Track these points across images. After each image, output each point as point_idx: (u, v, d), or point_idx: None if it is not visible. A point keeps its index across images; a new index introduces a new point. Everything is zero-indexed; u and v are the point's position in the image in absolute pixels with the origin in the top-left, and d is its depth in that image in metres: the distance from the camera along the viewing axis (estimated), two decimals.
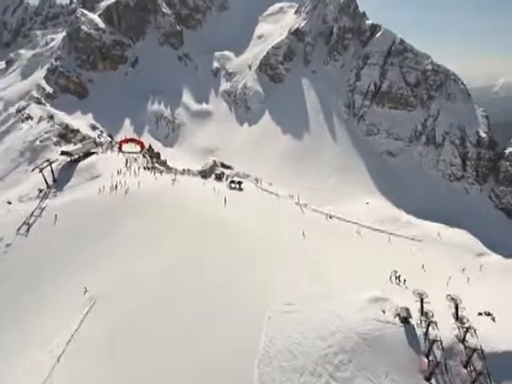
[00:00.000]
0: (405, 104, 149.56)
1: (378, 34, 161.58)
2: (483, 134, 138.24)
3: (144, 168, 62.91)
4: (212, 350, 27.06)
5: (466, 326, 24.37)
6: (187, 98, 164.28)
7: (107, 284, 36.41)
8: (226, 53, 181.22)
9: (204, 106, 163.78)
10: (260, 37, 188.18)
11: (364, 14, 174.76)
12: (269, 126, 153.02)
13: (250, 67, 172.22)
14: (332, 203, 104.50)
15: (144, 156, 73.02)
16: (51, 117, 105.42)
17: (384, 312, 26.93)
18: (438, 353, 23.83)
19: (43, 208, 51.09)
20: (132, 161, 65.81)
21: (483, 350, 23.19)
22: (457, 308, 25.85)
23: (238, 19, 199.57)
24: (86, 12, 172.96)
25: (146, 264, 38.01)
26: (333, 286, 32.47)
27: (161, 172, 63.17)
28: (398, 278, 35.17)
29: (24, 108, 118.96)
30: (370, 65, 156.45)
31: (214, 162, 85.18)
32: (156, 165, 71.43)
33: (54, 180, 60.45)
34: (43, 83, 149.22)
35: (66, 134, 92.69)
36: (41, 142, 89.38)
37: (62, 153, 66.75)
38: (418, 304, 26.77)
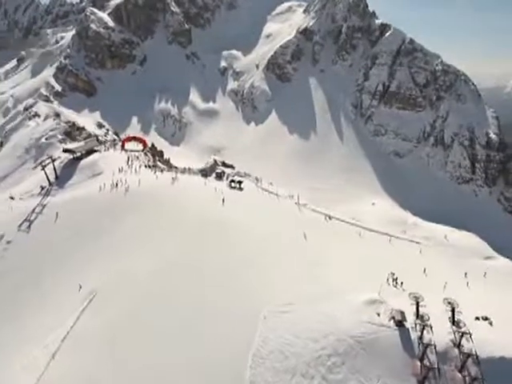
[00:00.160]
0: (413, 104, 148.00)
1: (387, 34, 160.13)
2: (493, 136, 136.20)
3: (145, 166, 63.06)
4: (209, 349, 27.00)
5: (462, 330, 23.83)
6: (194, 96, 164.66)
7: (106, 281, 36.56)
8: (234, 52, 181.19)
9: (211, 104, 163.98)
10: (268, 36, 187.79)
11: (373, 13, 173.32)
12: (275, 126, 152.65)
13: (257, 66, 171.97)
14: (338, 204, 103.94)
15: (146, 154, 73.22)
16: (57, 115, 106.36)
17: (379, 315, 26.53)
18: (432, 357, 23.35)
19: (44, 205, 51.45)
20: (134, 159, 66.01)
21: (478, 356, 22.64)
22: (453, 312, 25.29)
23: (246, 18, 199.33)
24: (95, 10, 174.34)
25: (144, 262, 38.03)
26: (330, 287, 32.11)
27: (161, 170, 63.22)
28: (395, 280, 34.61)
29: (31, 106, 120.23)
30: (378, 65, 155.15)
31: (215, 160, 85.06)
32: (158, 163, 71.60)
33: (57, 177, 60.84)
34: (52, 81, 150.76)
35: (72, 132, 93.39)
36: (46, 139, 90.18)
37: (65, 150, 67.19)
38: (414, 307, 26.26)
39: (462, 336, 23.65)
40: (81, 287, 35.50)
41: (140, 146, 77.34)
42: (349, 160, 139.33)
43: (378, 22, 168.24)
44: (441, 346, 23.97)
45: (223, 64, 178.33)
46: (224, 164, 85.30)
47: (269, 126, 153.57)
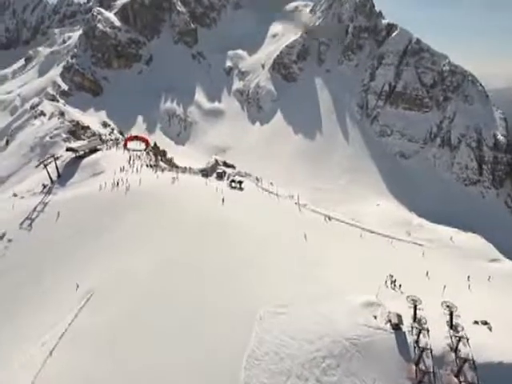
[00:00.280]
0: (420, 105, 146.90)
1: (393, 34, 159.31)
2: (501, 137, 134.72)
3: (147, 166, 63.10)
4: (207, 349, 26.92)
5: (459, 334, 23.36)
6: (200, 96, 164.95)
7: (106, 279, 36.62)
8: (240, 52, 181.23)
9: (216, 104, 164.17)
10: (274, 35, 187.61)
11: (380, 13, 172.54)
12: (281, 126, 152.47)
13: (263, 66, 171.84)
14: (343, 204, 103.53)
15: (148, 154, 73.27)
16: (62, 113, 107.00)
17: (375, 317, 26.16)
18: (428, 361, 22.94)
19: (46, 203, 51.65)
20: (135, 158, 66.09)
21: (475, 361, 22.17)
22: (451, 316, 24.80)
23: (252, 18, 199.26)
24: (102, 10, 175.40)
25: (144, 261, 38.06)
26: (328, 289, 31.79)
27: (162, 170, 63.21)
28: (394, 282, 34.12)
29: (37, 104, 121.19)
30: (384, 65, 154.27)
31: (216, 160, 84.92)
32: (160, 163, 71.60)
33: (59, 176, 61.07)
34: (59, 80, 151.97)
35: (76, 131, 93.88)
36: (51, 138, 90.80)
37: (68, 149, 67.43)
38: (412, 310, 25.83)
39: (459, 340, 23.19)
40: (78, 286, 35.53)
41: (142, 146, 77.49)
42: (354, 160, 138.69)
43: (384, 21, 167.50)
44: (437, 350, 23.56)
45: (229, 64, 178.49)
46: (225, 164, 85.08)
47: (274, 125, 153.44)
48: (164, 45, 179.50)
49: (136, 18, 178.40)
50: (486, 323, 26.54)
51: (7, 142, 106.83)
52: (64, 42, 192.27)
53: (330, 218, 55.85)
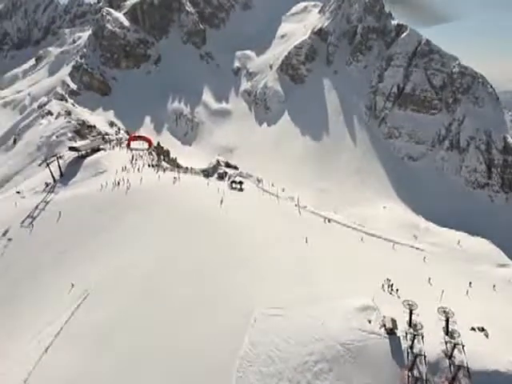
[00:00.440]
0: (428, 107, 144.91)
1: (403, 35, 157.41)
2: (511, 140, 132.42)
3: (149, 165, 63.18)
4: (201, 348, 27.01)
5: (455, 341, 22.77)
6: (207, 96, 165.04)
7: (104, 277, 36.99)
8: (248, 52, 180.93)
9: (224, 105, 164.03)
10: (283, 36, 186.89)
11: (390, 13, 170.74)
12: (288, 127, 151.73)
13: (271, 67, 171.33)
14: (349, 206, 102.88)
15: (150, 153, 73.37)
16: (69, 113, 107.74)
17: (370, 322, 25.66)
18: (421, 367, 22.41)
19: (47, 202, 52.01)
20: (138, 158, 66.23)
21: (469, 368, 21.57)
22: (447, 321, 24.21)
23: (261, 18, 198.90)
24: (111, 11, 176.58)
25: (142, 260, 38.39)
26: (324, 291, 31.42)
27: (164, 170, 63.20)
28: (391, 286, 33.47)
29: (45, 104, 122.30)
30: (393, 66, 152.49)
31: (218, 161, 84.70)
32: (163, 162, 71.65)
33: (62, 175, 61.44)
34: (68, 80, 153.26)
35: (81, 130, 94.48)
36: (57, 137, 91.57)
37: (70, 148, 67.74)
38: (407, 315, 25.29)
39: (454, 347, 22.62)
40: (73, 285, 35.78)
41: (145, 145, 77.69)
42: (361, 162, 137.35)
43: (394, 22, 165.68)
44: (432, 357, 23.07)
45: (237, 64, 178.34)
46: (227, 164, 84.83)
47: (281, 126, 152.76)
48: (172, 45, 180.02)
49: (145, 18, 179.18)
50: (482, 330, 25.86)
51: (15, 141, 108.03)
52: (74, 41, 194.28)
53: (329, 221, 55.26)
